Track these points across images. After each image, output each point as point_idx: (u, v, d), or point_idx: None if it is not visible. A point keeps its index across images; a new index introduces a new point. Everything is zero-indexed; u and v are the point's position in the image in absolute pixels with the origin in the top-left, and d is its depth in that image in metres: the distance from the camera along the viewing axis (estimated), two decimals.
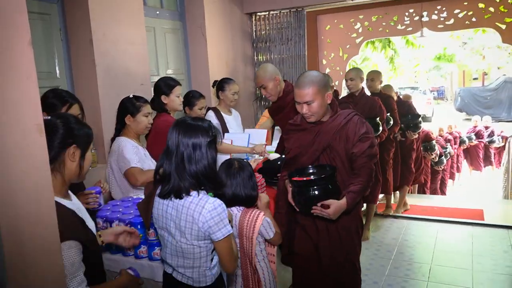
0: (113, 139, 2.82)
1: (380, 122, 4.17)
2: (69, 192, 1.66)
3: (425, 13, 5.42)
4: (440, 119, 12.99)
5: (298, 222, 2.48)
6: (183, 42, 4.59)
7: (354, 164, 2.30)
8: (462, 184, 8.62)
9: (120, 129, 2.79)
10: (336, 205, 2.17)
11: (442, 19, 5.36)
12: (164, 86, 3.12)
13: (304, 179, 2.22)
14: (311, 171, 2.34)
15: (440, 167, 7.00)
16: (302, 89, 2.25)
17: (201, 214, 1.65)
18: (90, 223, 1.66)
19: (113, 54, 3.37)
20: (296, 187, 2.22)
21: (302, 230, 2.48)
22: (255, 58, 5.47)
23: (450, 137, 8.17)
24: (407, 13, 5.52)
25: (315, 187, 2.16)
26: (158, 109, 3.13)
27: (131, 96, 2.78)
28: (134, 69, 3.57)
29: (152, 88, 3.33)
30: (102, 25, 3.26)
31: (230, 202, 2.13)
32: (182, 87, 4.48)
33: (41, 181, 1.26)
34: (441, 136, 7.89)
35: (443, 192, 7.20)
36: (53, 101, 2.21)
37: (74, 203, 1.62)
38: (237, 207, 2.18)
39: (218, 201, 1.69)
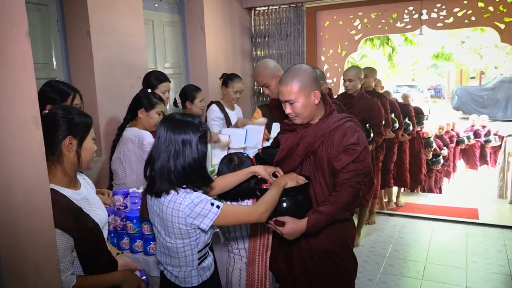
0: (120, 129, 2.81)
1: (370, 129, 4.09)
2: (82, 180, 1.72)
3: (424, 11, 5.41)
4: (437, 118, 13.01)
5: (276, 237, 2.12)
6: (182, 36, 4.56)
7: (335, 179, 1.94)
8: (458, 183, 8.65)
9: (130, 119, 2.79)
10: (292, 225, 1.86)
11: (441, 17, 5.36)
12: (153, 79, 3.12)
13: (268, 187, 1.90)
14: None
15: (437, 167, 7.02)
16: (284, 86, 1.95)
17: (179, 210, 1.62)
18: (99, 213, 1.67)
19: (111, 46, 3.34)
20: (261, 195, 1.88)
21: (278, 249, 2.16)
22: (254, 53, 5.45)
23: (445, 137, 8.18)
24: (406, 11, 5.51)
25: (281, 199, 1.85)
26: None
27: (149, 91, 2.80)
28: (132, 62, 3.55)
29: None
30: (100, 16, 3.23)
31: (233, 196, 2.13)
32: (179, 81, 4.52)
33: (38, 174, 1.25)
34: (440, 137, 7.89)
35: (439, 190, 7.22)
36: (53, 95, 2.19)
37: (79, 193, 1.64)
38: (247, 200, 2.17)
39: (195, 194, 1.64)
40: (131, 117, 2.78)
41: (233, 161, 2.16)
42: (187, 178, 1.66)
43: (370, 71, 4.59)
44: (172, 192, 1.64)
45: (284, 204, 1.87)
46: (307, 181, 1.92)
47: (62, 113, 1.60)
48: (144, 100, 2.73)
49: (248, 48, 5.41)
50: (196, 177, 1.68)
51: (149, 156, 1.71)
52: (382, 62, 10.31)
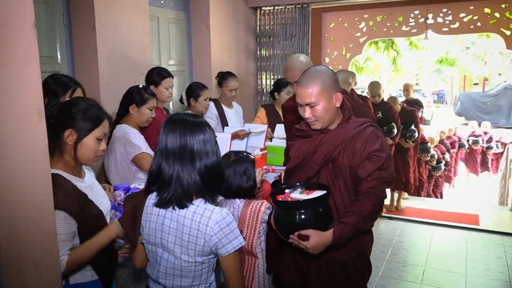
0: (113, 125, 2.80)
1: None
2: (86, 170, 1.78)
3: (430, 15, 5.39)
4: (439, 123, 13.00)
5: (287, 249, 2.01)
6: (187, 33, 4.55)
7: (358, 187, 1.85)
8: (459, 188, 8.62)
9: (122, 115, 2.77)
10: (317, 238, 1.74)
11: (447, 22, 5.34)
12: (156, 75, 3.11)
13: (288, 199, 1.80)
14: (299, 190, 1.90)
15: (437, 173, 6.99)
16: (304, 88, 1.82)
17: (207, 226, 1.47)
18: (103, 201, 1.74)
19: (115, 41, 3.34)
20: (278, 209, 1.84)
21: (291, 261, 2.03)
22: (258, 52, 5.44)
23: (446, 142, 8.15)
24: (412, 15, 5.49)
25: (300, 212, 1.76)
26: None
27: (140, 86, 2.77)
28: (136, 58, 3.54)
29: None
30: (106, 11, 3.23)
31: (224, 193, 2.14)
32: (183, 79, 4.51)
33: (40, 166, 1.24)
34: (441, 142, 7.85)
35: (440, 195, 7.19)
36: (55, 87, 2.19)
37: (84, 181, 1.70)
38: (239, 199, 2.17)
39: (225, 210, 1.51)
40: (122, 113, 2.75)
41: (230, 158, 2.15)
42: (206, 183, 1.52)
43: (373, 88, 4.70)
44: (197, 202, 1.51)
45: (304, 217, 1.75)
46: (326, 191, 1.82)
47: (75, 105, 1.64)
48: (135, 95, 2.70)
49: (253, 48, 5.40)
50: (215, 180, 1.55)
51: (157, 165, 1.52)
52: (386, 65, 10.28)
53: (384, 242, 4.31)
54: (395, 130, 4.79)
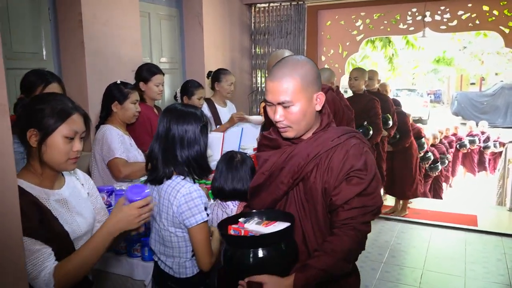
0: (97, 127, 2.68)
1: (370, 126, 4.08)
2: (70, 180, 1.54)
3: (428, 13, 5.30)
4: (436, 123, 12.94)
5: None
6: (179, 30, 4.45)
7: (333, 217, 1.42)
8: (457, 188, 8.55)
9: (105, 116, 2.65)
10: (271, 287, 1.35)
11: (445, 20, 5.25)
12: (146, 71, 3.00)
13: (241, 232, 1.41)
14: (257, 219, 1.49)
15: (434, 173, 6.89)
16: (277, 81, 1.40)
17: (175, 197, 1.63)
18: (78, 220, 1.47)
19: (104, 37, 3.23)
20: (229, 244, 1.43)
21: None
22: (253, 50, 5.34)
23: (445, 141, 8.06)
24: (409, 12, 5.40)
25: (256, 250, 1.35)
26: None
27: (118, 82, 2.64)
28: (126, 54, 3.43)
29: None
30: (93, 6, 3.12)
31: (229, 196, 2.04)
32: (175, 77, 4.40)
33: (5, 167, 1.13)
34: (440, 143, 7.75)
35: (439, 196, 7.09)
36: (31, 78, 2.08)
37: (56, 193, 1.45)
38: (233, 202, 2.06)
39: (195, 187, 1.65)
40: (105, 114, 2.61)
41: (235, 159, 2.05)
42: (188, 168, 1.69)
43: (360, 73, 4.45)
44: (173, 177, 1.67)
45: (261, 255, 1.34)
46: (289, 223, 1.41)
47: (37, 101, 1.41)
48: (115, 91, 2.56)
49: (247, 45, 5.30)
50: (197, 167, 1.70)
51: (150, 148, 1.72)
52: (383, 64, 10.22)
53: (381, 243, 4.21)
54: (391, 122, 4.63)
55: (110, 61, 3.29)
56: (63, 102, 1.43)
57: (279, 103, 1.41)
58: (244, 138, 3.43)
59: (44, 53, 3.08)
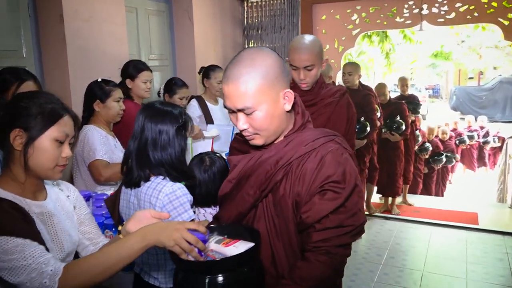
0: (80, 128, 2.55)
1: (367, 122, 3.94)
2: (54, 192, 1.36)
3: (425, 6, 5.16)
4: (435, 118, 12.81)
5: None
6: (169, 26, 4.30)
7: (304, 238, 1.21)
8: (456, 185, 8.42)
9: (88, 116, 2.51)
10: None
11: (442, 12, 5.11)
12: (132, 68, 2.88)
13: (190, 259, 1.12)
14: (216, 237, 1.24)
15: (437, 166, 6.70)
16: (234, 84, 1.18)
17: (158, 198, 1.52)
18: (62, 238, 1.29)
19: (87, 33, 3.09)
20: (181, 269, 1.18)
21: None
22: (246, 46, 5.20)
23: (451, 141, 7.89)
24: (406, 5, 5.25)
25: (213, 276, 1.11)
26: (123, 95, 2.87)
27: (99, 79, 2.51)
28: (111, 51, 3.29)
29: None
30: (75, 0, 2.97)
31: (204, 201, 1.90)
32: (165, 74, 4.26)
33: None
34: (443, 142, 7.57)
35: (441, 194, 6.95)
36: (6, 76, 1.94)
37: (39, 205, 1.27)
38: (213, 207, 1.93)
39: (177, 185, 1.56)
40: (88, 114, 2.47)
41: (204, 162, 1.92)
42: (165, 170, 1.59)
43: (354, 68, 4.29)
44: (152, 178, 1.58)
45: (221, 281, 1.10)
46: (253, 243, 1.17)
47: (23, 99, 1.24)
48: (96, 90, 2.43)
49: (240, 41, 5.16)
50: (172, 170, 1.59)
51: (127, 147, 1.63)
52: (380, 60, 10.08)
53: (380, 244, 4.08)
54: (403, 127, 4.59)
55: (94, 58, 3.14)
56: (53, 101, 1.26)
57: (239, 110, 1.19)
58: (216, 142, 3.28)
59: (24, 50, 2.93)
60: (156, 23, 4.11)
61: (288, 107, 1.23)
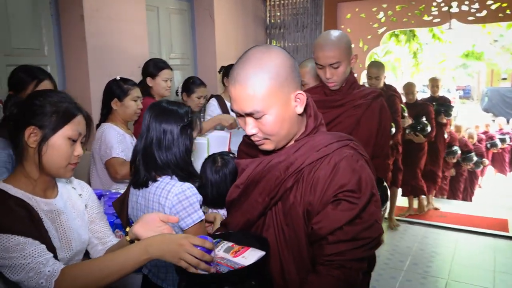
0: (98, 126, 2.56)
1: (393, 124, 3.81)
2: (65, 189, 1.37)
3: (454, 4, 4.98)
4: (465, 120, 12.44)
5: None
6: (190, 25, 4.29)
7: (316, 249, 1.12)
8: (486, 189, 8.12)
9: (106, 114, 2.52)
10: None
11: (473, 10, 4.92)
12: (153, 67, 2.87)
13: (199, 272, 1.08)
14: (225, 245, 1.16)
15: (468, 164, 6.43)
16: (242, 86, 1.09)
17: (167, 198, 1.50)
18: (71, 237, 1.29)
19: (107, 32, 3.10)
20: (187, 282, 1.13)
21: None
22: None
23: (481, 145, 7.60)
24: (434, 3, 5.08)
25: None
26: (143, 93, 2.86)
27: (118, 78, 2.51)
28: (131, 50, 3.30)
29: None
30: (96, 0, 2.99)
31: (215, 202, 1.87)
32: (186, 73, 4.25)
33: None
34: (473, 144, 7.30)
35: (469, 198, 6.70)
36: (22, 76, 1.95)
37: (49, 203, 1.28)
38: (225, 208, 1.89)
39: (187, 184, 1.53)
40: (106, 112, 2.49)
41: (216, 163, 1.88)
42: (171, 171, 1.57)
43: (381, 71, 4.05)
44: (160, 178, 1.55)
45: None
46: (263, 252, 1.10)
47: (38, 97, 1.25)
48: (115, 88, 2.43)
49: (262, 40, 5.11)
50: (179, 171, 1.57)
51: (135, 146, 1.63)
52: (407, 59, 9.82)
53: (403, 249, 3.95)
54: (428, 129, 4.43)
55: (114, 57, 3.16)
56: (67, 100, 1.28)
57: (247, 114, 1.11)
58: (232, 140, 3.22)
59: (45, 48, 2.97)
60: (177, 22, 4.11)
61: (300, 109, 1.14)
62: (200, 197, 1.56)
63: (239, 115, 1.14)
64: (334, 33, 2.01)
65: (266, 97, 1.07)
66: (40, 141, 1.22)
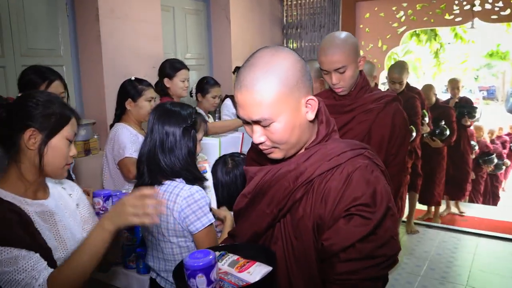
0: (112, 126, 2.58)
1: (412, 127, 3.67)
2: (55, 189, 1.38)
3: (477, 2, 4.84)
4: (489, 121, 12.12)
5: None
6: (206, 25, 4.29)
7: (327, 267, 1.02)
8: (509, 193, 7.88)
9: (120, 115, 2.54)
10: None
11: (496, 9, 4.78)
12: (169, 67, 2.86)
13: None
14: (230, 258, 1.09)
15: (489, 167, 6.22)
16: (249, 91, 1.01)
17: (175, 202, 1.47)
18: (64, 236, 1.30)
19: (122, 32, 3.12)
20: None
21: None
22: (285, 45, 5.10)
23: (497, 142, 7.41)
24: (456, 2, 4.95)
25: None
26: (161, 93, 2.86)
27: (132, 78, 2.52)
28: (146, 50, 3.31)
29: None
30: (111, 0, 3.01)
31: (226, 203, 1.85)
32: (202, 73, 4.25)
33: None
34: (491, 142, 7.11)
35: (492, 202, 6.49)
36: (32, 77, 1.96)
37: (41, 204, 1.29)
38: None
39: (195, 187, 1.50)
40: (120, 112, 2.50)
41: (227, 164, 1.86)
42: (176, 175, 1.53)
43: (405, 74, 3.84)
44: (167, 182, 1.52)
45: None
46: (270, 267, 1.03)
47: (32, 98, 1.26)
48: (129, 88, 2.45)
49: (279, 40, 5.07)
50: (185, 175, 1.54)
51: (140, 148, 1.61)
52: (428, 59, 9.62)
53: (420, 254, 3.86)
54: (427, 119, 4.20)
55: (129, 57, 3.17)
56: (60, 102, 1.32)
57: (254, 122, 1.03)
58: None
59: (61, 49, 3.00)
60: (193, 22, 4.11)
61: (311, 116, 1.06)
62: (208, 200, 1.53)
63: (245, 122, 1.06)
64: (338, 35, 1.91)
65: (274, 103, 0.99)
66: (41, 143, 1.24)
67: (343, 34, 1.91)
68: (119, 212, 1.15)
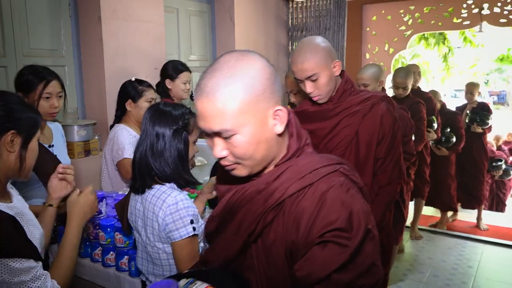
0: (112, 127, 2.57)
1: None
2: (11, 191, 1.35)
3: (485, 5, 4.78)
4: (500, 126, 11.97)
5: None
6: (210, 26, 4.27)
7: None
8: None
9: (121, 115, 2.53)
10: None
11: (505, 12, 4.71)
12: (172, 69, 2.83)
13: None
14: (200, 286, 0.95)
15: (498, 173, 6.09)
16: (207, 99, 0.90)
17: (161, 208, 1.44)
18: (35, 233, 1.29)
19: (124, 33, 3.11)
20: None
21: None
22: (290, 47, 5.07)
23: (505, 148, 7.29)
24: (465, 5, 4.90)
25: None
26: (162, 95, 2.84)
27: (133, 79, 2.51)
28: (148, 51, 3.30)
29: None
30: (114, 0, 3.00)
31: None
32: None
33: None
34: (498, 148, 7.00)
35: (500, 208, 6.38)
36: (29, 77, 1.95)
37: (12, 206, 1.27)
38: None
39: (181, 196, 1.46)
40: (121, 113, 2.49)
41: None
42: (165, 179, 1.49)
43: (410, 79, 3.68)
44: (157, 186, 1.49)
45: None
46: None
47: (8, 98, 1.25)
48: (129, 89, 2.43)
49: (284, 42, 5.04)
50: (178, 179, 1.50)
51: (134, 151, 1.57)
52: (436, 63, 9.52)
53: (424, 260, 3.80)
54: (435, 125, 4.00)
55: (130, 58, 3.16)
56: (19, 100, 1.30)
57: (215, 133, 0.92)
58: None
59: (63, 49, 3.00)
60: (197, 24, 4.10)
61: (280, 129, 0.94)
62: (192, 211, 1.45)
63: (206, 134, 0.94)
64: (308, 42, 1.80)
65: (238, 113, 0.88)
66: (21, 145, 1.24)
67: (315, 40, 1.81)
68: (86, 206, 1.47)
